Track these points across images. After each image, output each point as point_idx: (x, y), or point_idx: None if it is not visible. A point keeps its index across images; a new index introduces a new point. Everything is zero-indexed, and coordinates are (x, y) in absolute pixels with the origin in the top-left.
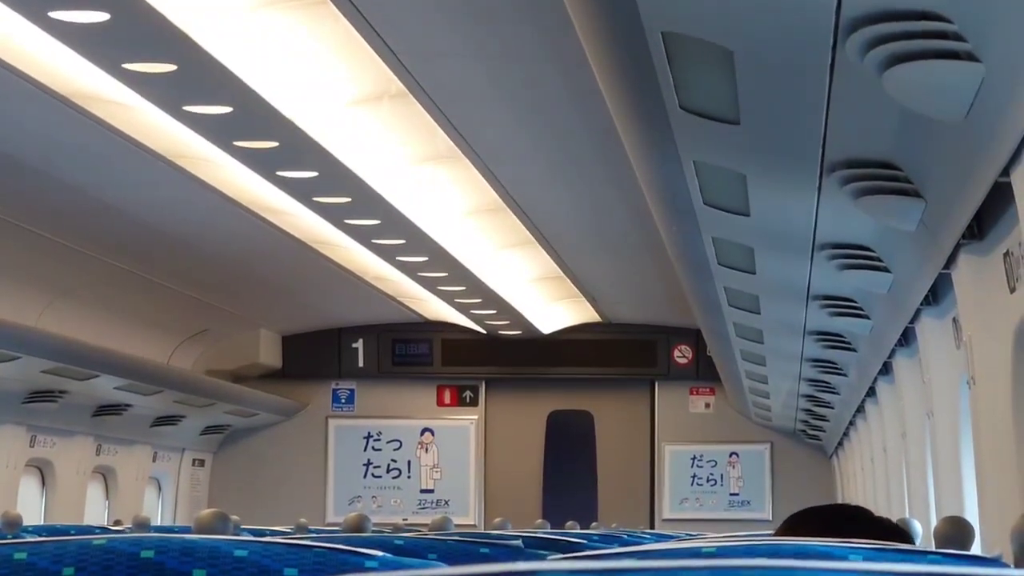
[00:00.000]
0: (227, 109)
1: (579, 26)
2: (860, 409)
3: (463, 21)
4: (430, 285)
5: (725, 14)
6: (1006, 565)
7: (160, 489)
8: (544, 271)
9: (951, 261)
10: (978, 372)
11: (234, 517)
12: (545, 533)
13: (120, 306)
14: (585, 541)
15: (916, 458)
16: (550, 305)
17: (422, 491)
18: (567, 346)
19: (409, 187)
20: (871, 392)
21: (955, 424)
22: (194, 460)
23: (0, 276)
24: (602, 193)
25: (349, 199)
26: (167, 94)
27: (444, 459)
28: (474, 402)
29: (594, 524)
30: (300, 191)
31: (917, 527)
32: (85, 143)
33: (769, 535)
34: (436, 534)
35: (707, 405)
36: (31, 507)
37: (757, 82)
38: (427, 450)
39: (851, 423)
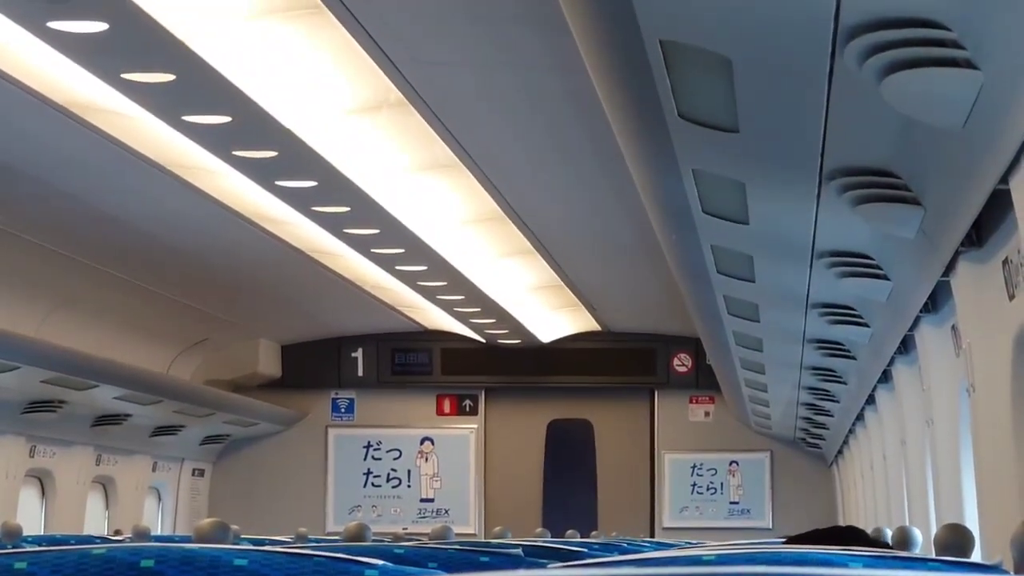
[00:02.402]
0: (226, 119)
1: (578, 35)
2: (860, 417)
3: (461, 30)
4: (429, 294)
5: (724, 22)
6: (1006, 572)
7: (160, 499)
8: (543, 280)
9: (950, 268)
10: (978, 379)
11: (234, 527)
12: (545, 542)
13: (119, 316)
14: (585, 550)
15: (916, 465)
16: (549, 314)
17: (422, 500)
18: (566, 355)
19: (408, 196)
20: (871, 400)
21: (955, 431)
22: (194, 470)
23: None
24: (601, 201)
25: (348, 208)
26: (166, 104)
27: (444, 468)
28: (474, 411)
29: (594, 533)
30: (299, 200)
31: (917, 535)
32: (84, 153)
33: (770, 542)
34: (436, 543)
35: (707, 413)
36: (31, 517)
37: (756, 90)
38: (427, 459)
39: (851, 431)
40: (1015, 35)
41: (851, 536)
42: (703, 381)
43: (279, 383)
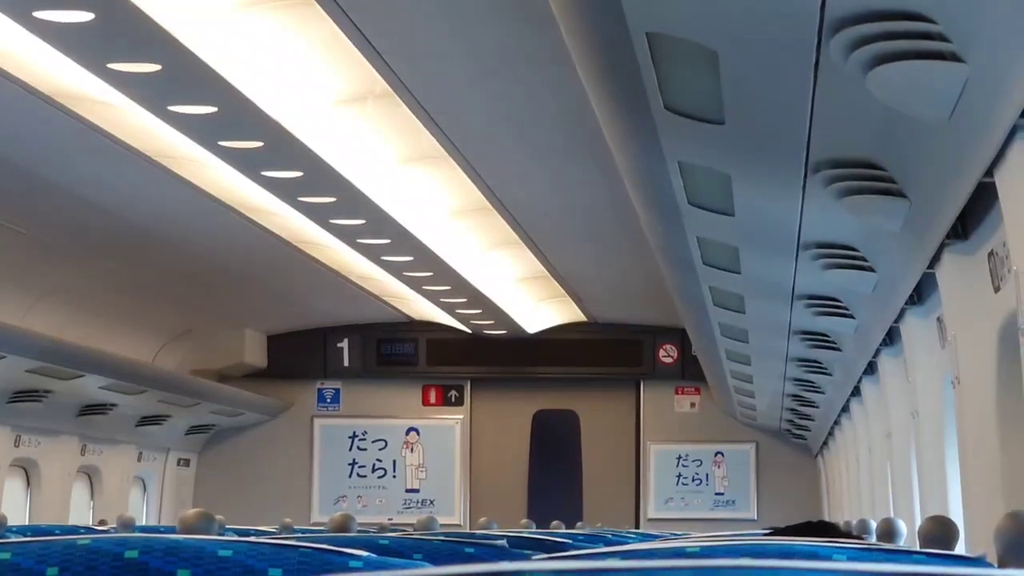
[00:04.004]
0: (212, 109)
1: (564, 26)
2: (845, 408)
3: (448, 22)
4: (415, 285)
5: (710, 15)
6: (990, 565)
7: (145, 489)
8: (529, 271)
9: (935, 261)
10: (962, 371)
11: (219, 517)
12: (530, 533)
13: (105, 306)
14: (570, 541)
15: (901, 457)
16: (535, 305)
17: (407, 491)
18: (552, 346)
19: (394, 187)
20: (856, 391)
21: (939, 423)
22: (179, 460)
23: None
24: (587, 193)
25: (334, 199)
26: (152, 94)
27: (429, 459)
28: (459, 402)
29: (579, 524)
30: (285, 191)
31: (902, 527)
32: (70, 143)
33: (754, 534)
34: (421, 534)
35: (692, 404)
36: (16, 507)
37: (741, 82)
38: (412, 450)
39: (836, 422)
40: (1000, 28)
41: (823, 530)
42: (689, 372)
43: (265, 373)
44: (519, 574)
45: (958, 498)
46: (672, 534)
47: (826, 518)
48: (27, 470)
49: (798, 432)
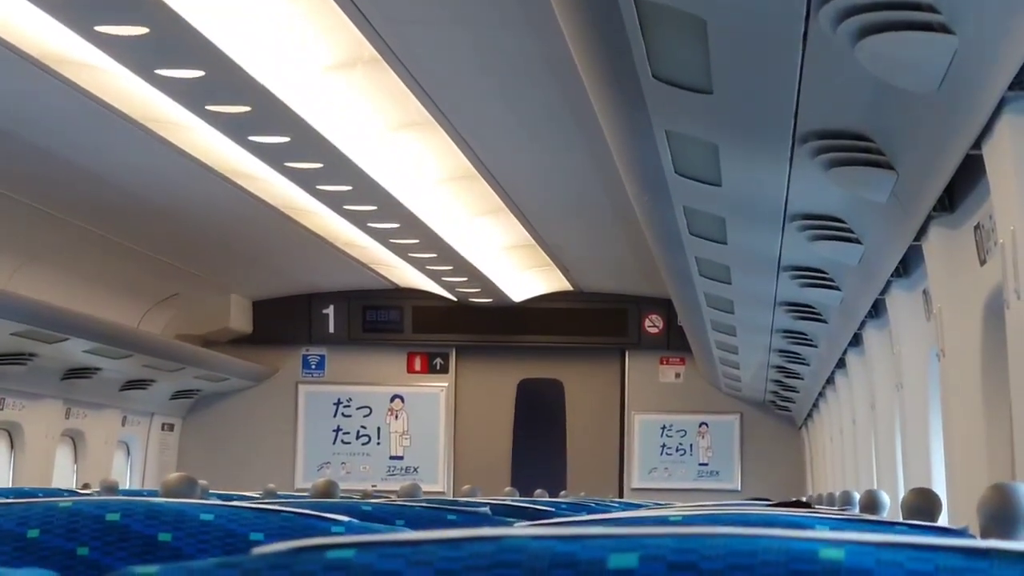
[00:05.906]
0: (199, 73)
1: None
2: (830, 380)
3: None
4: (401, 252)
5: None
6: (973, 537)
7: (129, 453)
8: (516, 239)
9: (922, 233)
10: (948, 344)
11: (202, 482)
12: (514, 501)
13: (91, 270)
14: (553, 509)
15: (885, 430)
16: (521, 273)
17: (391, 458)
18: (538, 314)
19: (381, 153)
20: (841, 363)
21: (924, 396)
22: (163, 424)
23: None
24: (575, 162)
25: (321, 165)
26: (139, 57)
27: (414, 426)
28: (444, 369)
29: (563, 493)
30: (272, 156)
31: (885, 498)
32: (56, 106)
33: (739, 504)
34: (404, 500)
35: (677, 375)
36: None
37: (730, 52)
38: (397, 417)
39: (821, 394)
40: (989, 0)
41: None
42: (674, 342)
43: (250, 339)
44: (501, 539)
45: (941, 470)
46: (655, 503)
47: (810, 490)
48: (11, 433)
49: (783, 403)
